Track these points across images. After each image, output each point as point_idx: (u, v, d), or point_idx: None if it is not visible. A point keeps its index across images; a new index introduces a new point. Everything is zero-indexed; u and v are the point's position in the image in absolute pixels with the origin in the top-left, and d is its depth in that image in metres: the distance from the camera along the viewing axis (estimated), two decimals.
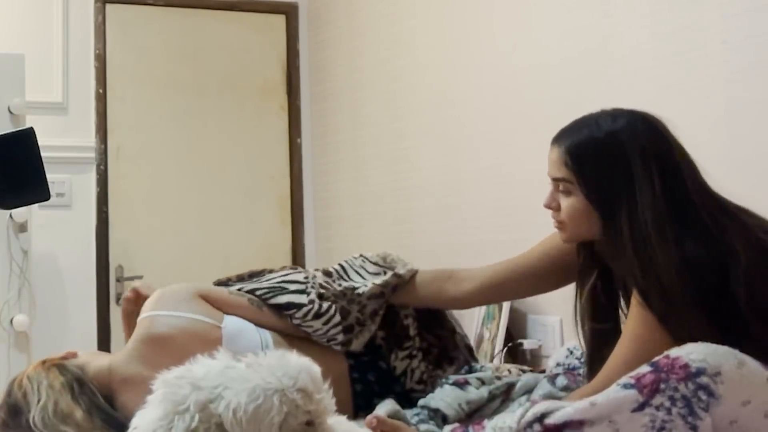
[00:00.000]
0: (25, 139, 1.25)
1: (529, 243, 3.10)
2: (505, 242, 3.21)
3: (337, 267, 2.23)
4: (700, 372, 1.38)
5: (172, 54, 4.33)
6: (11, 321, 3.55)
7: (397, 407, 1.84)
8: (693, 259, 1.55)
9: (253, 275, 2.21)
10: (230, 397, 1.26)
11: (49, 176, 1.28)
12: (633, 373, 1.44)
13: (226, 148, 4.40)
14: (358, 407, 2.00)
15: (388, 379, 2.10)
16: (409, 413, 1.86)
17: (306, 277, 2.15)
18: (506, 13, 3.22)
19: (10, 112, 3.57)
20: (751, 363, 1.43)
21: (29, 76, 3.69)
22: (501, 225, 3.23)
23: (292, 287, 2.11)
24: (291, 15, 4.55)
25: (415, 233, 3.70)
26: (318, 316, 2.06)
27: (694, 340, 1.46)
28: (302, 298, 2.08)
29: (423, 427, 1.79)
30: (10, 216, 3.54)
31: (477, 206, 3.35)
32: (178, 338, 1.90)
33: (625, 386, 1.41)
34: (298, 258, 4.44)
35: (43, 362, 1.92)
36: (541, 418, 1.44)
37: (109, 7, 4.19)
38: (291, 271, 2.21)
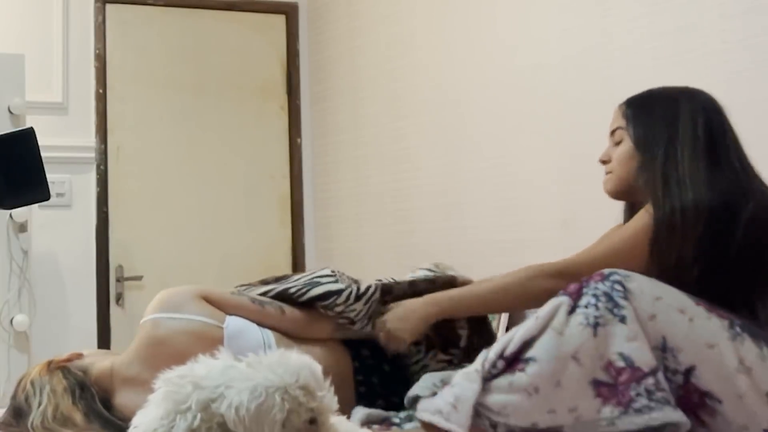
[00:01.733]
0: (25, 139, 1.25)
1: (529, 243, 3.11)
2: (505, 242, 3.21)
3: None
4: (613, 273, 1.62)
5: (172, 54, 4.33)
6: (11, 321, 3.55)
7: (369, 410, 1.85)
8: (710, 203, 1.72)
9: (278, 279, 2.22)
10: (232, 395, 1.26)
11: (49, 176, 1.28)
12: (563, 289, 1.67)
13: (226, 148, 4.40)
14: None
15: (391, 382, 2.10)
16: (403, 414, 1.86)
17: (334, 272, 2.19)
18: (506, 13, 3.22)
19: (10, 112, 3.57)
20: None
21: (29, 76, 3.69)
22: (501, 225, 3.23)
23: (324, 280, 2.13)
24: (291, 15, 4.55)
25: (415, 233, 3.70)
26: (359, 297, 2.08)
27: (672, 271, 1.69)
28: (339, 285, 2.10)
29: (408, 426, 1.82)
30: (10, 216, 3.54)
31: (477, 206, 3.35)
32: (180, 340, 1.91)
33: (558, 295, 1.64)
34: (298, 258, 4.44)
35: (49, 363, 1.94)
36: (501, 354, 1.60)
37: (109, 7, 4.19)
38: (317, 270, 2.23)
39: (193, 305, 1.99)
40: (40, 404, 1.86)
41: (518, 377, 1.56)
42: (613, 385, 1.53)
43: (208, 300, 2.03)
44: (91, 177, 4.10)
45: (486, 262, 3.29)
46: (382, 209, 3.92)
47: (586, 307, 1.57)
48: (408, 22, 3.75)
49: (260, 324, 2.05)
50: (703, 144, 1.82)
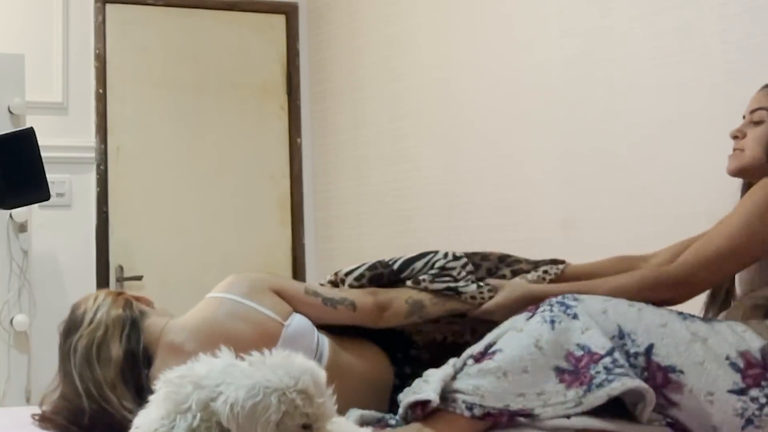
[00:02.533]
0: (25, 139, 1.25)
1: (529, 243, 3.11)
2: (505, 242, 3.20)
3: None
4: (564, 296, 1.76)
5: (172, 54, 4.33)
6: (11, 321, 3.55)
7: (363, 411, 1.84)
8: None
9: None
10: (229, 392, 1.26)
11: (49, 176, 1.28)
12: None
13: (226, 148, 4.40)
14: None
15: None
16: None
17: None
18: (506, 13, 3.22)
19: (10, 112, 3.57)
20: None
21: (29, 76, 3.69)
22: (501, 225, 3.23)
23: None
24: (291, 15, 4.55)
25: (415, 233, 3.70)
26: (457, 257, 2.09)
27: None
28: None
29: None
30: (10, 216, 3.54)
31: (477, 206, 3.35)
32: (238, 327, 1.87)
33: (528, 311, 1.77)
34: (298, 258, 4.44)
35: (119, 293, 1.94)
36: (470, 354, 1.72)
37: (109, 7, 4.19)
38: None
39: (263, 296, 1.94)
40: (91, 322, 1.85)
41: (486, 364, 1.67)
42: (574, 371, 1.65)
43: (281, 294, 1.98)
44: (91, 177, 4.10)
45: None
46: (382, 209, 3.92)
47: (542, 311, 1.72)
48: (408, 22, 3.75)
49: (329, 324, 2.01)
50: None
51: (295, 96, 4.52)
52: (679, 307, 1.83)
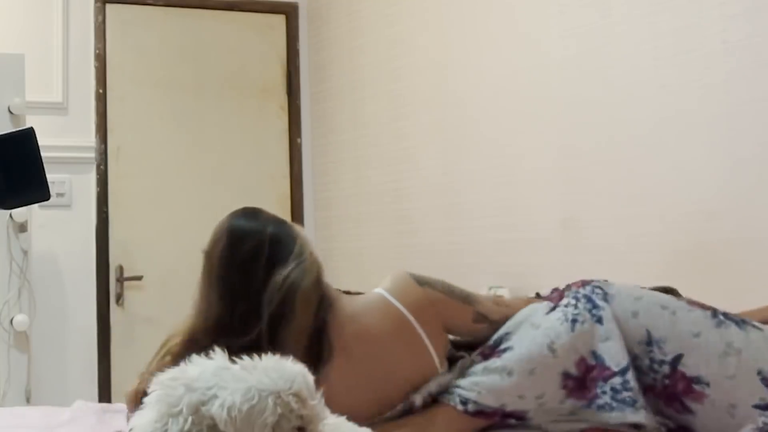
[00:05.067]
0: (25, 139, 1.25)
1: (529, 243, 3.11)
2: (505, 242, 3.21)
3: None
4: (594, 280, 1.68)
5: (172, 54, 4.33)
6: (11, 321, 3.55)
7: None
8: None
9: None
10: (225, 396, 1.26)
11: (49, 176, 1.28)
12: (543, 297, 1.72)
13: (226, 148, 4.40)
14: None
15: None
16: None
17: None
18: (506, 13, 3.22)
19: (10, 112, 3.57)
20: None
21: (29, 76, 3.69)
22: (501, 225, 3.23)
23: None
24: (291, 15, 4.55)
25: (415, 233, 3.70)
26: None
27: None
28: None
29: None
30: (10, 216, 3.54)
31: (478, 206, 3.35)
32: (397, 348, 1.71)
33: (537, 304, 1.70)
34: None
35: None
36: (480, 352, 1.69)
37: (109, 7, 4.19)
38: None
39: (436, 333, 1.73)
40: (299, 259, 1.75)
41: (492, 362, 1.63)
42: (581, 379, 1.59)
43: (449, 329, 1.77)
44: (91, 177, 4.10)
45: (486, 262, 3.29)
46: (382, 209, 3.92)
47: (566, 306, 1.64)
48: (408, 22, 3.75)
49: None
50: None
51: (295, 96, 4.52)
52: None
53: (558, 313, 1.64)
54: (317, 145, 4.46)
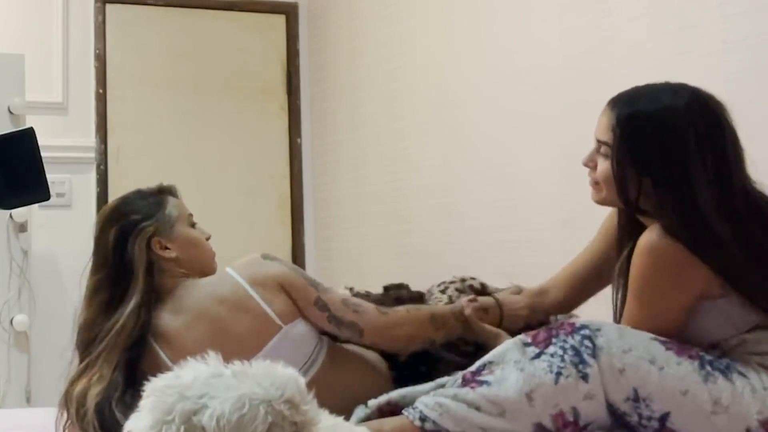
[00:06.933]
0: (25, 139, 1.25)
1: (529, 243, 3.11)
2: (505, 242, 3.21)
3: None
4: (583, 327, 1.61)
5: (172, 54, 4.33)
6: (11, 321, 3.55)
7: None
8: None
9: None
10: (215, 405, 1.27)
11: (49, 176, 1.28)
12: (530, 333, 1.65)
13: (226, 148, 4.40)
14: None
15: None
16: None
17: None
18: (506, 13, 3.23)
19: (10, 112, 3.57)
20: (631, 329, 1.65)
21: (29, 76, 3.69)
22: (501, 225, 3.23)
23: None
24: (291, 15, 4.55)
25: (415, 233, 3.70)
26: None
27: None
28: None
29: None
30: (10, 216, 3.54)
31: (477, 206, 3.35)
32: (235, 315, 1.90)
33: (524, 343, 1.63)
34: (298, 258, 4.44)
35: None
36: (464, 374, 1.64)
37: (109, 7, 4.19)
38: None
39: (270, 291, 1.93)
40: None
41: (465, 392, 1.59)
42: (553, 431, 1.56)
43: (290, 294, 1.94)
44: (91, 177, 4.10)
45: (485, 262, 3.29)
46: (381, 209, 3.92)
47: (552, 356, 1.58)
48: (407, 22, 3.75)
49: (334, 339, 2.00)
50: (714, 193, 1.72)
51: (295, 96, 4.52)
52: None
53: (543, 363, 1.58)
54: (317, 145, 4.46)
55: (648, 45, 2.64)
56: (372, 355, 2.04)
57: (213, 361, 1.37)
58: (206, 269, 2.07)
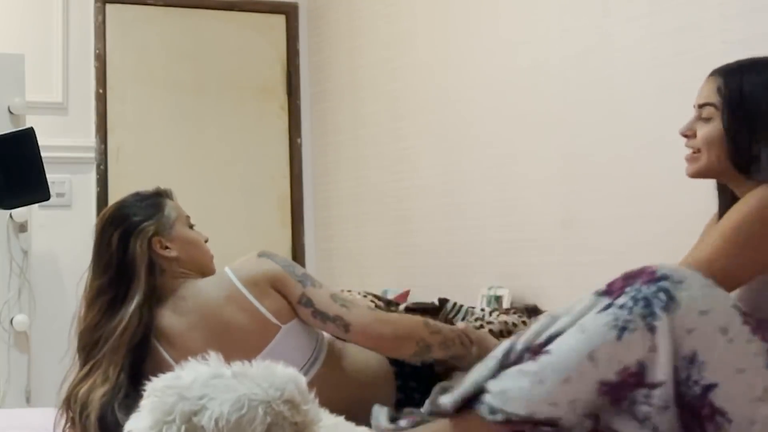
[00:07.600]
0: (25, 139, 1.25)
1: (529, 243, 3.11)
2: (505, 242, 3.21)
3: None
4: (664, 277, 1.54)
5: (172, 54, 4.33)
6: (11, 321, 3.55)
7: (386, 408, 1.83)
8: None
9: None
10: (214, 406, 1.27)
11: (49, 176, 1.28)
12: (608, 282, 1.59)
13: (226, 148, 4.40)
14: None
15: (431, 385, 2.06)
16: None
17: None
18: (506, 13, 3.23)
19: (10, 112, 3.57)
20: (720, 288, 1.57)
21: (29, 76, 3.69)
22: (501, 225, 3.23)
23: None
24: (291, 15, 4.55)
25: (415, 233, 3.70)
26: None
27: None
28: None
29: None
30: (10, 216, 3.54)
31: (477, 206, 3.35)
32: (236, 315, 1.92)
33: (598, 293, 1.58)
34: (298, 258, 4.44)
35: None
36: (528, 346, 1.59)
37: (109, 7, 4.19)
38: None
39: (263, 292, 1.94)
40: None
41: (528, 365, 1.57)
42: (618, 385, 1.53)
43: (281, 292, 1.96)
44: (91, 177, 4.10)
45: (486, 262, 3.29)
46: (382, 209, 3.92)
47: (620, 307, 1.54)
48: (408, 22, 3.75)
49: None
50: None
51: (295, 96, 4.52)
52: None
53: (609, 317, 1.54)
54: (317, 145, 4.46)
55: (648, 45, 2.64)
56: (374, 353, 2.04)
57: (214, 361, 1.37)
58: (205, 270, 2.07)
